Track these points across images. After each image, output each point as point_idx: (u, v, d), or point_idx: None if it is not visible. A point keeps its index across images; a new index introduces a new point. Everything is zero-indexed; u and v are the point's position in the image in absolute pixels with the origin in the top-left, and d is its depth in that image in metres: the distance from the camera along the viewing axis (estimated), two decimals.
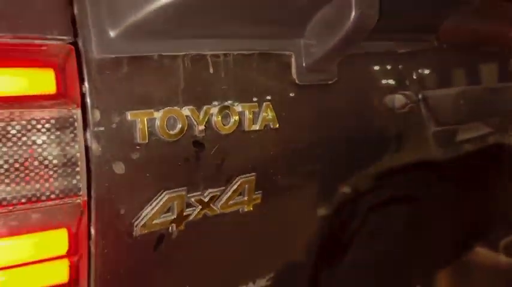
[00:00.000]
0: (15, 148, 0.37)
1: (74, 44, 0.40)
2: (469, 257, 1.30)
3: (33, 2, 0.39)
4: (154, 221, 0.45)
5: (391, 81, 0.69)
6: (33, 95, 0.38)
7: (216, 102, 0.48)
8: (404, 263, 0.89)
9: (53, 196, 0.39)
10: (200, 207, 0.48)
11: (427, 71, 0.75)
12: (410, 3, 0.64)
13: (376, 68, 0.67)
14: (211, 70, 0.48)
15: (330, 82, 0.58)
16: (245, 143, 0.51)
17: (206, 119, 0.47)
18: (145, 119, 0.43)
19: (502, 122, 0.98)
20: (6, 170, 0.37)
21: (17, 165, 0.37)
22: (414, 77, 0.71)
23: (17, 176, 0.38)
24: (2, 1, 0.37)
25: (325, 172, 0.62)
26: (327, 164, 0.61)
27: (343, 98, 0.61)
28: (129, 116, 0.42)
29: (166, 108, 0.44)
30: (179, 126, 0.45)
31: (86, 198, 0.41)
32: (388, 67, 0.69)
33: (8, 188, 0.37)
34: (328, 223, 0.65)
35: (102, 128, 0.41)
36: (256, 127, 0.51)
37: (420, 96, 0.72)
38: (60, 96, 0.39)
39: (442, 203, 0.91)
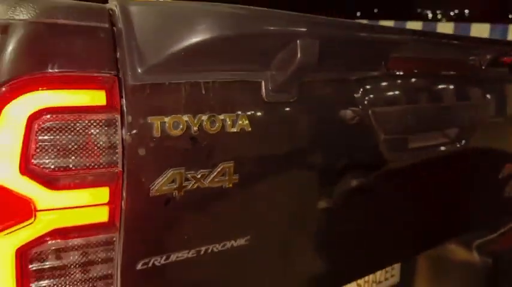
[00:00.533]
0: (80, 136, 0.64)
1: (117, 76, 0.66)
2: (441, 253, 1.47)
3: (93, 51, 0.66)
4: (163, 188, 0.70)
5: (343, 100, 0.92)
6: (93, 106, 0.65)
7: (206, 113, 0.73)
8: (373, 247, 1.10)
9: (101, 166, 0.65)
10: (194, 181, 0.73)
11: (376, 93, 0.98)
12: (354, 47, 0.88)
13: (331, 90, 0.91)
14: (203, 91, 0.74)
15: (291, 100, 0.83)
16: (226, 140, 0.76)
17: (199, 123, 0.72)
18: (159, 122, 0.69)
19: (455, 134, 1.18)
20: (76, 149, 0.63)
21: (82, 147, 0.64)
22: (365, 97, 0.95)
23: (81, 153, 0.64)
24: (76, 48, 0.64)
25: (288, 161, 0.86)
26: (289, 157, 0.86)
27: (303, 111, 0.86)
28: (149, 119, 0.68)
29: (172, 115, 0.70)
30: (180, 127, 0.71)
31: (121, 169, 0.67)
32: (342, 89, 0.93)
33: (76, 160, 0.64)
34: (291, 200, 0.88)
35: (132, 127, 0.67)
36: (234, 130, 0.76)
37: (370, 111, 0.95)
38: (108, 107, 0.66)
39: (403, 198, 1.12)
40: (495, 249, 1.45)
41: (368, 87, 0.96)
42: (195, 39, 0.69)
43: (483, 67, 1.23)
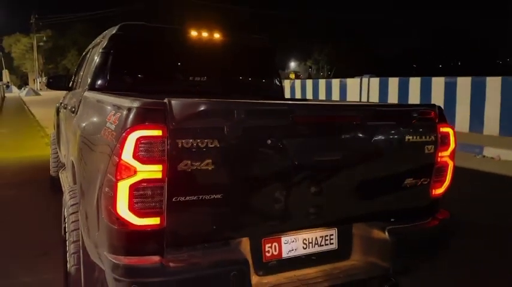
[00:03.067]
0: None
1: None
2: (366, 232, 2.34)
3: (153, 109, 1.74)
4: (184, 167, 1.75)
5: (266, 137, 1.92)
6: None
7: None
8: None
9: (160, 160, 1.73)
10: (196, 167, 1.77)
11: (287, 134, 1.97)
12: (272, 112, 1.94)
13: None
14: None
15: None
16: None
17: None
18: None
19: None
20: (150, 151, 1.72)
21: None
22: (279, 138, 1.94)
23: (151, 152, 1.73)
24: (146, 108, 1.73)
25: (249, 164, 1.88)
26: (250, 162, 1.87)
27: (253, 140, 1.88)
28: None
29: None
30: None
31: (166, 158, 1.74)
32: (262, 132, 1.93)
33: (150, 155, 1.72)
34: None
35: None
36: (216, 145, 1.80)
37: (284, 142, 1.94)
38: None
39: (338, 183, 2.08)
40: (398, 231, 2.29)
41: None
42: None
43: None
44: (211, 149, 1.76)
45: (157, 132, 1.69)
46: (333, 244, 2.31)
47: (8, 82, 39.34)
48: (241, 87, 3.92)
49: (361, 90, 12.90)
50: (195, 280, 1.78)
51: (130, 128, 1.69)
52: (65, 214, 2.61)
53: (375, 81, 12.68)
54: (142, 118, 1.70)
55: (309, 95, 15.29)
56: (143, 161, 1.68)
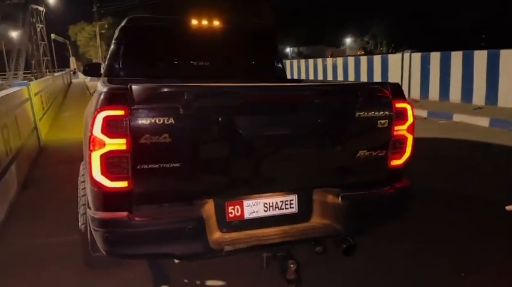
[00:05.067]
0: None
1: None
2: (322, 197, 2.63)
3: None
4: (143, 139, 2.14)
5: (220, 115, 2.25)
6: None
7: None
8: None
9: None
10: (157, 139, 2.15)
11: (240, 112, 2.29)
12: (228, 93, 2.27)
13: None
14: None
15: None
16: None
17: None
18: None
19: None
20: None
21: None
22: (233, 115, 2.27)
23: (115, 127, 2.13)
24: None
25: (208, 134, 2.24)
26: (209, 133, 2.23)
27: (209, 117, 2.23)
28: None
29: None
30: None
31: (129, 132, 2.14)
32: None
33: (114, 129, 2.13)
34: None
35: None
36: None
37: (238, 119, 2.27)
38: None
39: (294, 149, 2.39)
40: (351, 197, 2.56)
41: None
42: None
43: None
44: (168, 125, 2.13)
45: (120, 112, 2.09)
46: (293, 208, 2.63)
47: (75, 69, 42.09)
48: (243, 70, 4.24)
49: (402, 66, 12.63)
50: (156, 232, 2.20)
51: (99, 109, 2.10)
52: (79, 182, 3.14)
53: (417, 57, 12.36)
54: (108, 101, 2.11)
55: (351, 74, 15.17)
56: (110, 135, 2.09)
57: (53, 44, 46.88)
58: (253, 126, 2.32)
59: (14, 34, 38.70)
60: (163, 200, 2.31)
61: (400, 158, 2.69)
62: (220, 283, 3.04)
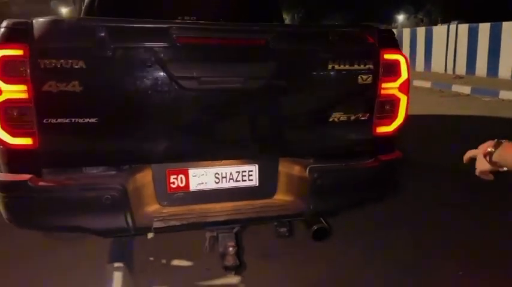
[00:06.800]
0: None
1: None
2: (289, 171, 2.14)
3: None
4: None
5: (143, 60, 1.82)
6: None
7: None
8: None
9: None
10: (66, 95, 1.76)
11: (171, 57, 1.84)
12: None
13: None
14: None
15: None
16: None
17: None
18: None
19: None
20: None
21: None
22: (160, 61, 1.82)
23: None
24: None
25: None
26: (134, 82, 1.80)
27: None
28: None
29: None
30: None
31: (31, 83, 1.75)
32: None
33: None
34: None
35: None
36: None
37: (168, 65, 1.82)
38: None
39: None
40: (319, 170, 2.06)
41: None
42: None
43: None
44: (77, 70, 1.72)
45: (18, 52, 1.70)
46: (252, 180, 2.17)
47: None
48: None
49: (448, 39, 11.55)
50: (62, 200, 1.82)
51: None
52: None
53: (464, 29, 11.24)
54: (5, 38, 1.72)
55: None
56: (7, 80, 1.71)
57: None
58: (195, 76, 1.85)
59: (64, 11, 39.83)
60: (82, 163, 1.92)
61: (389, 124, 2.14)
62: (187, 263, 2.67)
